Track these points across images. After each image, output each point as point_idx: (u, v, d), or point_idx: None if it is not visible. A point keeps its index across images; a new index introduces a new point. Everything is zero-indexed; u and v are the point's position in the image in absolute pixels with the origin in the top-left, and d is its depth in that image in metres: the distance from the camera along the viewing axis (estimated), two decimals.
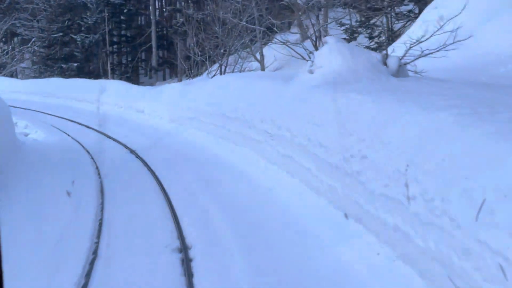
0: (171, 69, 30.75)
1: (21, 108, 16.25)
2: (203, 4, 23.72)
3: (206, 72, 15.48)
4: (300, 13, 16.68)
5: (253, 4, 15.92)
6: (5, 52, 29.52)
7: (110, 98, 17.03)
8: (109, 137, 11.82)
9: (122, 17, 28.96)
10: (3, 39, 32.19)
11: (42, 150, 9.98)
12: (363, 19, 17.54)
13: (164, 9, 33.32)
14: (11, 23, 28.70)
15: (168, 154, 9.43)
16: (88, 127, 13.69)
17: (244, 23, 15.67)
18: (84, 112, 16.19)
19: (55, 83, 20.27)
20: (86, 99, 17.98)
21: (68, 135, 12.14)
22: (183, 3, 31.01)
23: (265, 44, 18.12)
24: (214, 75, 14.40)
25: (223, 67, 15.16)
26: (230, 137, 8.74)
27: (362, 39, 17.24)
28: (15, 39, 33.30)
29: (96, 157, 9.39)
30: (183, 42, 25.26)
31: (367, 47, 14.26)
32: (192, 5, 29.11)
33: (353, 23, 18.32)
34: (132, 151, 9.88)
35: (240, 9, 15.95)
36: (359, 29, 17.46)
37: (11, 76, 30.61)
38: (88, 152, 10.02)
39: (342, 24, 17.81)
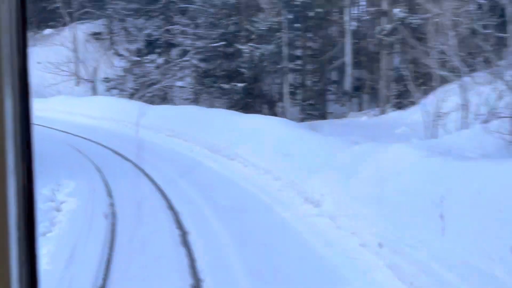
0: (370, 95, 29.29)
1: (127, 160, 14.07)
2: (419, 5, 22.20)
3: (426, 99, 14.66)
4: None
5: None
6: (155, 65, 30.34)
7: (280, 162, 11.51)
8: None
9: (308, 23, 27.97)
10: (159, 50, 33.09)
11: None
12: None
13: (364, 11, 30.97)
14: (165, 29, 28.80)
15: None
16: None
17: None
18: (229, 184, 11.26)
19: (193, 115, 18.12)
20: (235, 153, 13.37)
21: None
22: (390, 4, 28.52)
23: None
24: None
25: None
26: None
27: None
28: (173, 50, 33.85)
29: None
30: (389, 58, 24.65)
31: None
32: (403, 6, 26.23)
33: None
34: None
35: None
36: None
37: (163, 99, 30.89)
38: None
39: None
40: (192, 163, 13.37)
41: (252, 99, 27.05)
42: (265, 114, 27.27)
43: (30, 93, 1.27)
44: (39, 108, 25.87)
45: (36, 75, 38.18)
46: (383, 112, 23.49)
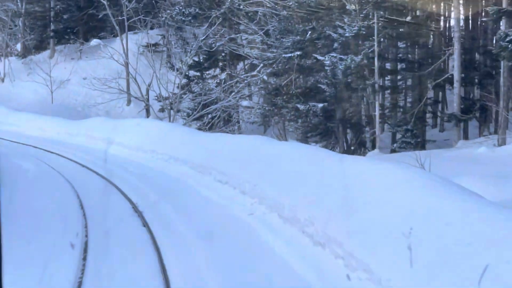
0: (484, 119, 28.56)
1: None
2: None
3: None
4: None
5: None
6: (217, 81, 30.64)
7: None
8: None
9: (401, 29, 26.88)
10: (221, 63, 32.46)
11: None
12: None
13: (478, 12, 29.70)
14: (229, 38, 28.37)
15: None
16: None
17: None
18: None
19: (258, 150, 14.66)
20: (328, 235, 8.18)
21: None
22: None
23: None
24: None
25: None
26: None
27: None
28: (239, 63, 33.66)
29: None
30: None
31: None
32: None
33: None
34: None
35: None
36: None
37: (226, 121, 29.99)
38: None
39: None
40: (255, 243, 9.29)
41: (334, 123, 25.78)
42: (349, 143, 25.97)
43: None
44: (71, 133, 25.32)
45: (80, 92, 38.29)
46: (503, 141, 21.15)
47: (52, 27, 43.35)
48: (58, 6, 42.72)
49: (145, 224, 10.11)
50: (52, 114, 31.24)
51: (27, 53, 44.48)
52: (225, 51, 32.07)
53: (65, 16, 43.01)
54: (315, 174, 10.10)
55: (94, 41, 36.86)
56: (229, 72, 31.39)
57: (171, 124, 25.84)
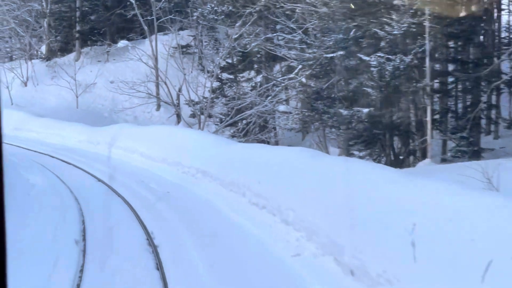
0: None
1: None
2: None
3: None
4: None
5: None
6: (252, 84, 30.37)
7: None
8: None
9: (454, 27, 25.94)
10: (257, 65, 32.44)
11: None
12: None
13: None
14: (265, 38, 27.72)
15: None
16: None
17: None
18: None
19: (302, 165, 13.19)
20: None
21: None
22: None
23: None
24: None
25: None
26: None
27: None
28: (275, 65, 33.52)
29: None
30: None
31: None
32: None
33: None
34: None
35: None
36: None
37: (261, 127, 29.98)
38: None
39: None
40: None
41: (380, 131, 24.87)
42: (396, 152, 25.02)
43: None
44: (93, 141, 25.01)
45: (107, 97, 38.05)
46: None
47: (78, 28, 43.37)
48: (85, 7, 42.65)
49: (159, 267, 8.43)
50: (77, 119, 31.13)
51: (51, 55, 44.55)
52: (260, 52, 31.38)
53: (92, 17, 42.99)
54: (385, 203, 7.84)
55: (122, 43, 36.73)
56: (265, 75, 30.61)
57: (199, 132, 25.06)
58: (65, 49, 45.06)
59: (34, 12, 43.73)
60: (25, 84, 42.70)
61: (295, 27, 28.63)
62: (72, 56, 43.93)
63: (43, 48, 45.10)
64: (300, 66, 28.55)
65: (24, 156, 22.35)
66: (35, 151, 23.68)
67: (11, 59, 47.45)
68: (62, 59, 43.61)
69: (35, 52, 45.41)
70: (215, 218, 11.99)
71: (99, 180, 16.74)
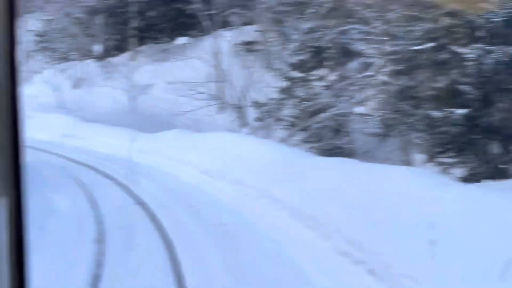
0: None
1: None
2: None
3: None
4: None
5: None
6: (325, 83, 29.17)
7: None
8: None
9: None
10: (330, 62, 31.15)
11: None
12: None
13: None
14: (339, 31, 28.38)
15: None
16: None
17: None
18: None
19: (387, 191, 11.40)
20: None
21: None
22: None
23: None
24: None
25: None
26: None
27: None
28: (351, 61, 32.04)
29: None
30: None
31: None
32: None
33: None
34: None
35: None
36: None
37: (335, 131, 29.23)
38: None
39: None
40: None
41: (479, 135, 23.58)
42: (497, 160, 23.49)
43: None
44: (142, 149, 23.94)
45: (165, 99, 37.64)
46: None
47: (134, 24, 43.06)
48: (141, 1, 42.51)
49: None
50: (131, 124, 30.82)
51: (105, 55, 44.59)
52: (334, 47, 30.20)
53: (150, 14, 42.86)
54: None
55: (181, 39, 36.29)
56: (341, 72, 29.44)
57: (269, 142, 23.43)
58: (120, 48, 45.10)
59: (85, 8, 43.97)
60: (77, 86, 42.73)
61: (375, 16, 27.44)
62: (127, 55, 43.94)
63: (96, 47, 45.28)
64: (381, 62, 27.27)
65: (58, 168, 21.43)
66: (76, 161, 22.88)
67: (66, 59, 47.78)
68: (117, 59, 43.62)
69: (88, 51, 45.50)
70: (290, 276, 9.15)
71: (139, 201, 15.03)
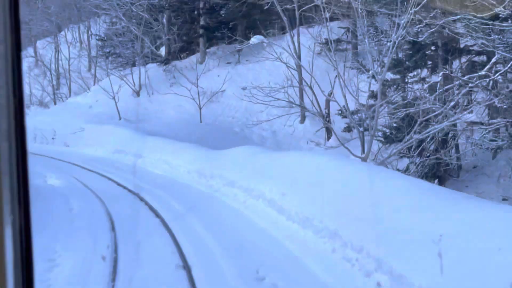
0: None
1: None
2: None
3: None
4: None
5: None
6: (428, 87, 27.59)
7: None
8: None
9: None
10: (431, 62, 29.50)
11: None
12: None
13: None
14: (441, 25, 26.25)
15: None
16: None
17: None
18: None
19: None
20: None
21: None
22: None
23: None
24: None
25: None
26: None
27: None
28: (457, 60, 30.27)
29: None
30: None
31: None
32: None
33: None
34: None
35: None
36: None
37: (441, 143, 26.84)
38: None
39: None
40: None
41: None
42: None
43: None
44: (204, 173, 21.52)
45: (238, 107, 36.27)
46: None
47: (202, 22, 42.01)
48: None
49: None
50: (199, 137, 29.27)
51: (170, 58, 43.65)
52: (437, 44, 28.60)
53: (221, 12, 41.67)
54: None
55: (255, 38, 35.12)
56: (446, 73, 27.14)
57: (370, 168, 17.14)
58: (187, 49, 44.05)
59: (148, 7, 43.18)
60: (137, 94, 42.03)
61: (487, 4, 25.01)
62: (195, 58, 42.96)
63: (161, 49, 44.22)
64: (493, 60, 25.31)
65: (100, 193, 18.57)
66: (121, 186, 20.55)
67: (128, 65, 46.94)
68: (183, 62, 42.76)
69: (151, 54, 44.42)
70: None
71: (186, 268, 10.90)
